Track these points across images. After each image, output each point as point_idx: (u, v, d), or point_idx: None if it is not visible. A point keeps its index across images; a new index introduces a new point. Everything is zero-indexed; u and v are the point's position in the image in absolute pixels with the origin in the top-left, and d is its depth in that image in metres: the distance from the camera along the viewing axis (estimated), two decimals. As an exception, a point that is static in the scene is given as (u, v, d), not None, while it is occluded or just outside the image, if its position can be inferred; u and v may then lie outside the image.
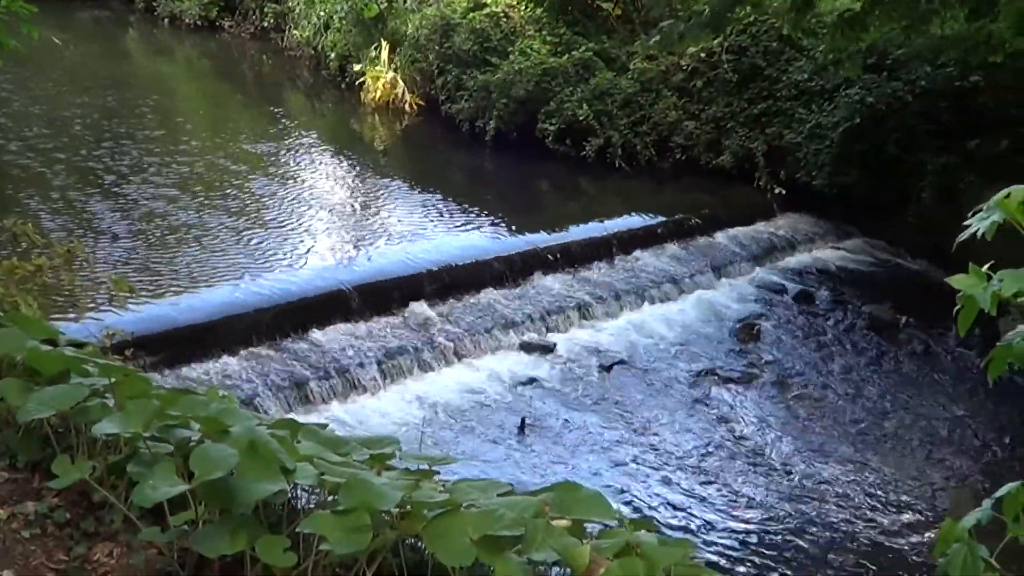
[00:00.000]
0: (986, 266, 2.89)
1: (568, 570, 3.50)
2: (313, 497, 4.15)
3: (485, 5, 23.03)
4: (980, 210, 2.95)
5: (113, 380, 4.41)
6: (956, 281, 2.89)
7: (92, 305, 11.58)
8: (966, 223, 2.98)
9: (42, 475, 4.31)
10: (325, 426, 4.73)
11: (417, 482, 3.85)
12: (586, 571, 3.34)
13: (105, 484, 4.10)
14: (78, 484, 4.10)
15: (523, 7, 22.96)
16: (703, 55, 20.60)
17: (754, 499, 11.24)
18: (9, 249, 8.86)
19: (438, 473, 4.36)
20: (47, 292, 9.19)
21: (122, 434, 4.07)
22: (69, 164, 17.45)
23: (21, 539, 3.98)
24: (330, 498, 3.87)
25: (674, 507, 10.95)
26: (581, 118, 20.26)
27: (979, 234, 2.90)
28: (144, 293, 12.58)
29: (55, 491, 4.20)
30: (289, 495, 4.03)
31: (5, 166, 17.09)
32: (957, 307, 2.89)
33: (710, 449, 12.17)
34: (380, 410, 12.08)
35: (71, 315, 10.58)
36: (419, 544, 3.82)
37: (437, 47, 22.80)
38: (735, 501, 11.18)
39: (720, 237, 18.06)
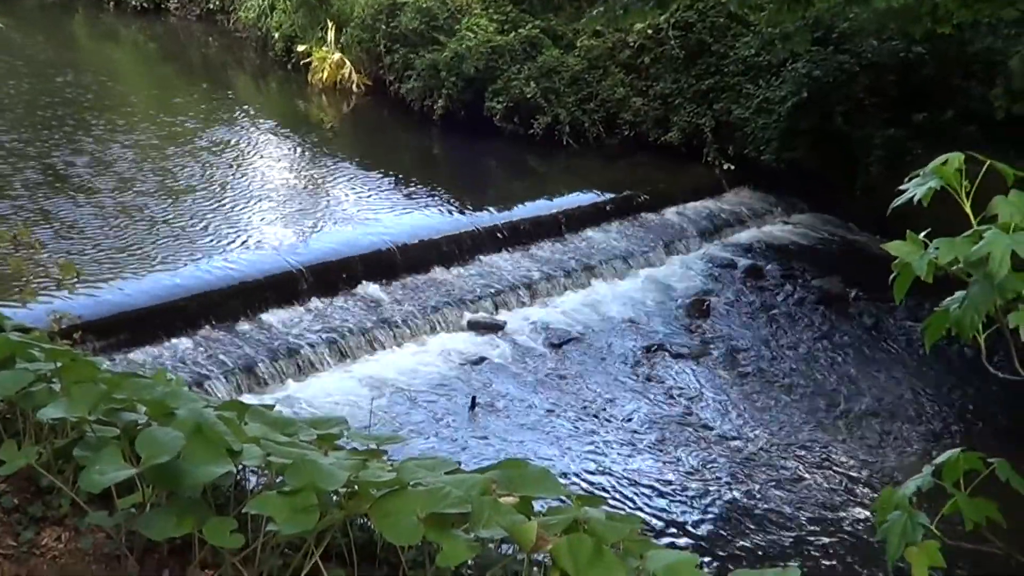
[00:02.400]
0: (923, 233, 2.89)
1: (516, 547, 3.51)
2: (261, 479, 4.14)
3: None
4: (917, 175, 2.95)
5: (59, 365, 4.37)
6: (892, 248, 2.86)
7: (40, 289, 11.49)
8: (901, 187, 2.97)
9: (-11, 461, 4.28)
10: (272, 407, 4.72)
11: (364, 461, 3.84)
12: (534, 547, 3.34)
13: (52, 469, 4.08)
14: (25, 469, 4.06)
15: (469, -16, 22.91)
16: (650, 31, 20.62)
17: (704, 473, 11.31)
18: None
19: (386, 452, 4.36)
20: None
21: (68, 418, 4.04)
22: (18, 151, 17.29)
23: (-32, 526, 3.96)
24: (278, 479, 3.85)
25: (624, 482, 10.99)
26: (529, 96, 20.25)
27: (915, 200, 2.90)
28: (93, 277, 12.51)
29: (2, 477, 4.16)
30: (236, 477, 4.03)
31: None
32: (893, 274, 2.88)
33: (660, 424, 12.22)
34: (330, 390, 12.07)
35: (18, 300, 10.48)
36: (368, 523, 3.82)
37: (384, 27, 22.73)
38: (685, 475, 11.24)
39: (669, 213, 18.12)
